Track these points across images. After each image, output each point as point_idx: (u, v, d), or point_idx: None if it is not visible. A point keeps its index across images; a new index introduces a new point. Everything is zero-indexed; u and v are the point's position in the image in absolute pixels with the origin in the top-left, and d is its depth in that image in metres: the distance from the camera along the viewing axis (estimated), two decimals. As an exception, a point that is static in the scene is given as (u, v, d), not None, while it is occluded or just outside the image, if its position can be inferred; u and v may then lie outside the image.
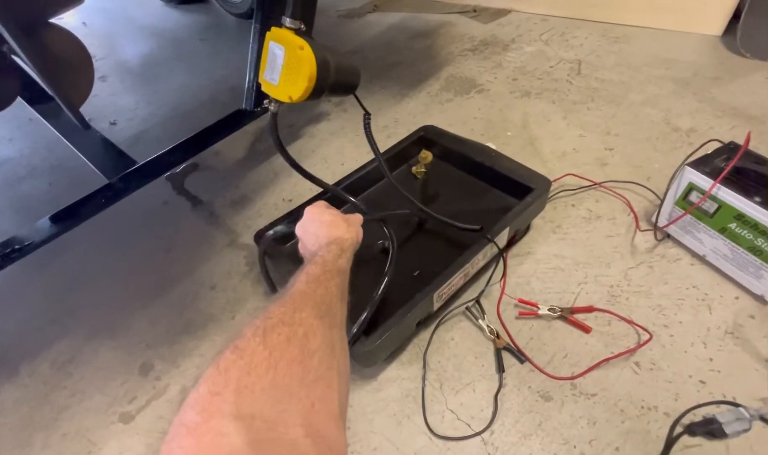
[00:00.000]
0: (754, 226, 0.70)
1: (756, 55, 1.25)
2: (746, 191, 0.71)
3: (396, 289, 0.70)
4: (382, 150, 0.81)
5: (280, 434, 0.28)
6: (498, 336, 0.73)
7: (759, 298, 0.74)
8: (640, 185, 0.95)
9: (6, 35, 0.68)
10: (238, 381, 0.29)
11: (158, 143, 1.10)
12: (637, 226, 0.87)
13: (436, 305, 0.74)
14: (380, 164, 0.77)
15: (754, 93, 1.14)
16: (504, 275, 0.81)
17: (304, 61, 0.58)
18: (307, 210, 0.64)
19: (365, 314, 0.66)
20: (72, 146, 1.03)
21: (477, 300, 0.78)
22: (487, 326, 0.74)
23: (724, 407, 0.62)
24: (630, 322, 0.73)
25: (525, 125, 1.16)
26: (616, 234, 0.87)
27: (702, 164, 0.77)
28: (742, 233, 0.72)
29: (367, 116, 0.73)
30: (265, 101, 0.66)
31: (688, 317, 0.73)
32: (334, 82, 0.63)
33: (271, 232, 0.81)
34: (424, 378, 0.71)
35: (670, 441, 0.60)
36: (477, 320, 0.76)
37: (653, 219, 0.84)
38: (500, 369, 0.70)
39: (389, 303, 0.68)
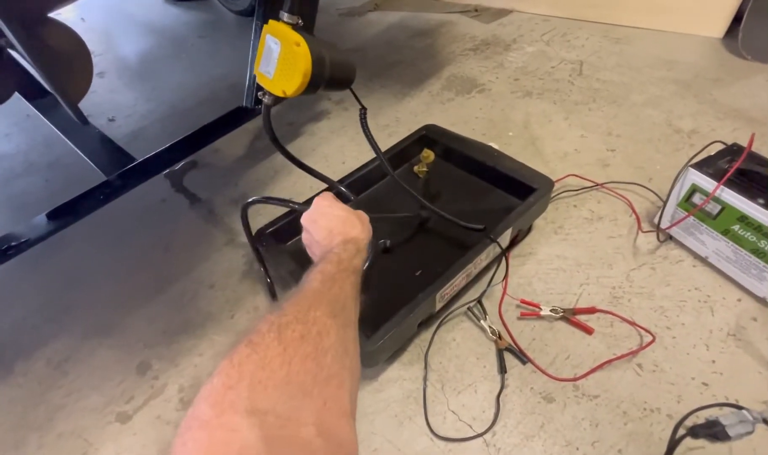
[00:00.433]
0: (758, 228, 0.70)
1: (757, 58, 1.25)
2: (750, 193, 0.70)
3: (398, 289, 0.69)
4: (383, 149, 0.81)
5: (292, 431, 0.28)
6: (500, 337, 0.73)
7: (761, 300, 0.73)
8: (642, 186, 0.94)
9: (4, 29, 0.68)
10: (252, 375, 0.29)
11: (157, 140, 1.09)
12: (639, 227, 0.87)
13: (439, 306, 0.73)
14: (380, 159, 0.76)
15: (756, 95, 1.14)
16: (506, 275, 0.80)
17: (299, 57, 0.58)
18: (316, 201, 0.61)
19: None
20: (70, 143, 1.02)
21: (479, 301, 0.77)
22: (489, 326, 0.74)
23: (727, 409, 0.61)
24: (632, 323, 0.73)
25: (526, 125, 1.16)
26: (618, 235, 0.87)
27: (705, 165, 0.76)
28: (746, 235, 0.72)
29: (362, 110, 0.72)
30: (260, 93, 0.66)
31: (690, 319, 0.73)
32: (330, 78, 0.62)
33: (254, 198, 0.75)
34: (425, 379, 0.70)
35: (673, 444, 0.59)
36: (479, 320, 0.76)
37: (655, 220, 0.84)
38: (502, 369, 0.69)
39: (391, 304, 0.68)
